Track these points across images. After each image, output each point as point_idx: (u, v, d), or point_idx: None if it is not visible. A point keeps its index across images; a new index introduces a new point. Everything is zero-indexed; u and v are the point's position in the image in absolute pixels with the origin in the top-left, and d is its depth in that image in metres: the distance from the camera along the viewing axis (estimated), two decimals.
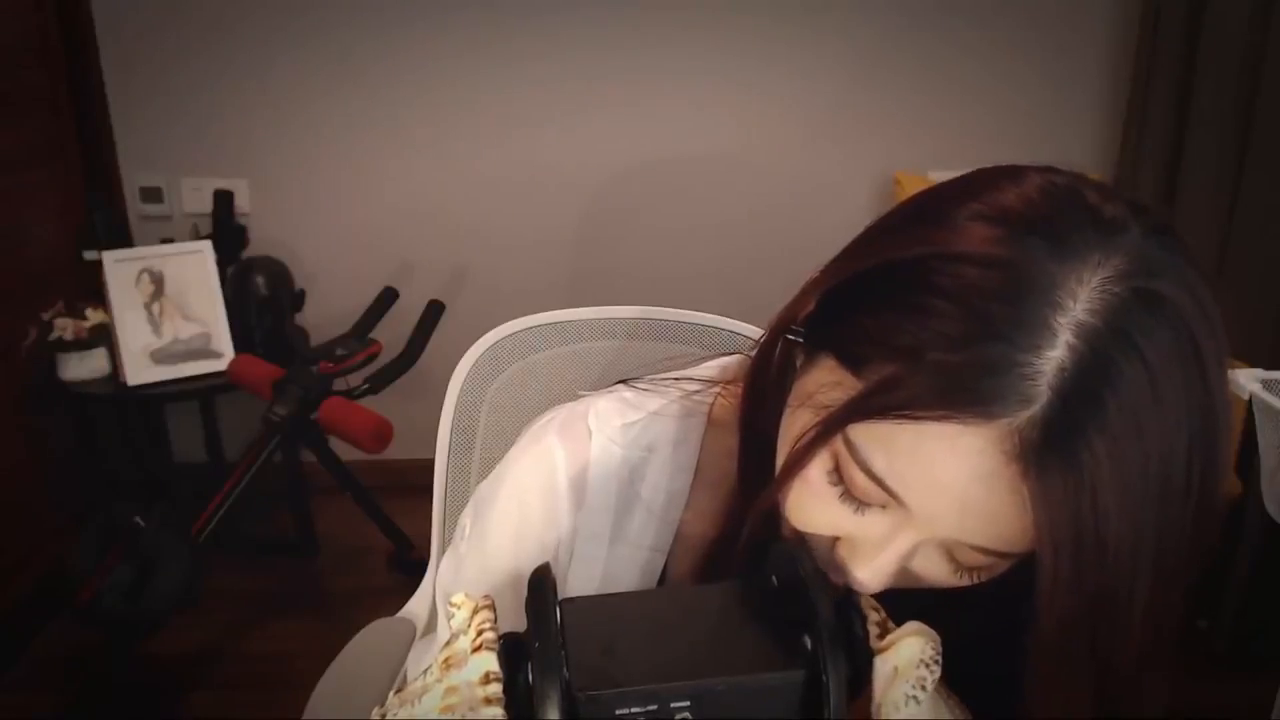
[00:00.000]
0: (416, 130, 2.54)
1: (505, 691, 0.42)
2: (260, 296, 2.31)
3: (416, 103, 2.52)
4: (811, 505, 0.49)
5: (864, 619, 0.47)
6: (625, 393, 0.65)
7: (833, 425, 0.46)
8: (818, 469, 0.48)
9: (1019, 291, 0.42)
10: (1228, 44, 2.25)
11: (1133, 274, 0.42)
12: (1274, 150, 2.19)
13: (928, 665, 0.43)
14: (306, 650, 1.92)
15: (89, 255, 2.21)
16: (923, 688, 0.43)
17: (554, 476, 0.61)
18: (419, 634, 0.99)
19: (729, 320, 1.02)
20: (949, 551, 0.48)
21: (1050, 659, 0.45)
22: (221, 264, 2.27)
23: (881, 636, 0.46)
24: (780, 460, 0.51)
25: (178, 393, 2.19)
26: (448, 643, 0.45)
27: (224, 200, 2.40)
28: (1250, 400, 1.44)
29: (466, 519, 0.67)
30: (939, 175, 2.83)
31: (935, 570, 0.49)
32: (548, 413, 0.66)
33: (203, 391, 2.27)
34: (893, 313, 0.44)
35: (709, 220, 2.59)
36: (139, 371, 2.13)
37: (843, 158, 2.58)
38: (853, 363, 0.46)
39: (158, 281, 2.17)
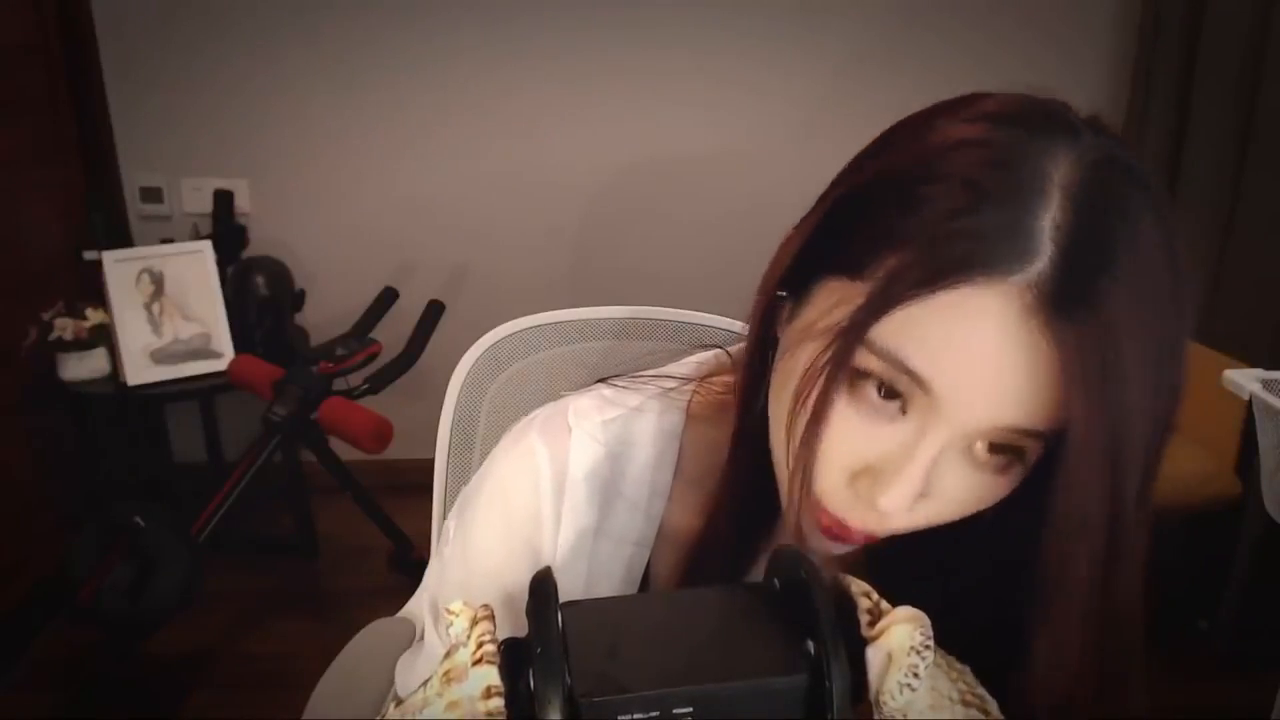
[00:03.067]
0: (416, 130, 2.54)
1: (507, 699, 0.42)
2: (260, 296, 2.31)
3: (416, 103, 2.52)
4: (832, 436, 0.48)
5: (855, 606, 0.47)
6: (605, 391, 0.65)
7: (855, 330, 0.46)
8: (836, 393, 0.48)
9: (1008, 161, 0.45)
10: (1228, 44, 2.25)
11: (1107, 148, 0.46)
12: (1274, 150, 2.19)
13: (919, 651, 0.43)
14: (306, 650, 1.92)
15: (89, 255, 2.20)
16: (915, 675, 0.43)
17: (536, 474, 0.61)
18: (418, 635, 0.99)
19: (729, 320, 1.02)
20: (970, 456, 0.48)
21: (1060, 562, 0.47)
22: (221, 264, 2.27)
23: (873, 624, 0.45)
24: (780, 408, 0.51)
25: (178, 393, 2.19)
26: (447, 655, 0.44)
27: (224, 200, 2.40)
28: (1250, 400, 1.44)
29: (451, 522, 0.67)
30: None
31: (955, 484, 0.48)
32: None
33: (203, 391, 2.27)
34: (889, 211, 0.47)
35: (710, 220, 2.59)
36: (139, 371, 2.13)
37: (843, 157, 2.57)
38: (854, 269, 0.48)
39: (158, 281, 2.17)
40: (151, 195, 2.54)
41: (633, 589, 0.63)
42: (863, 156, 0.53)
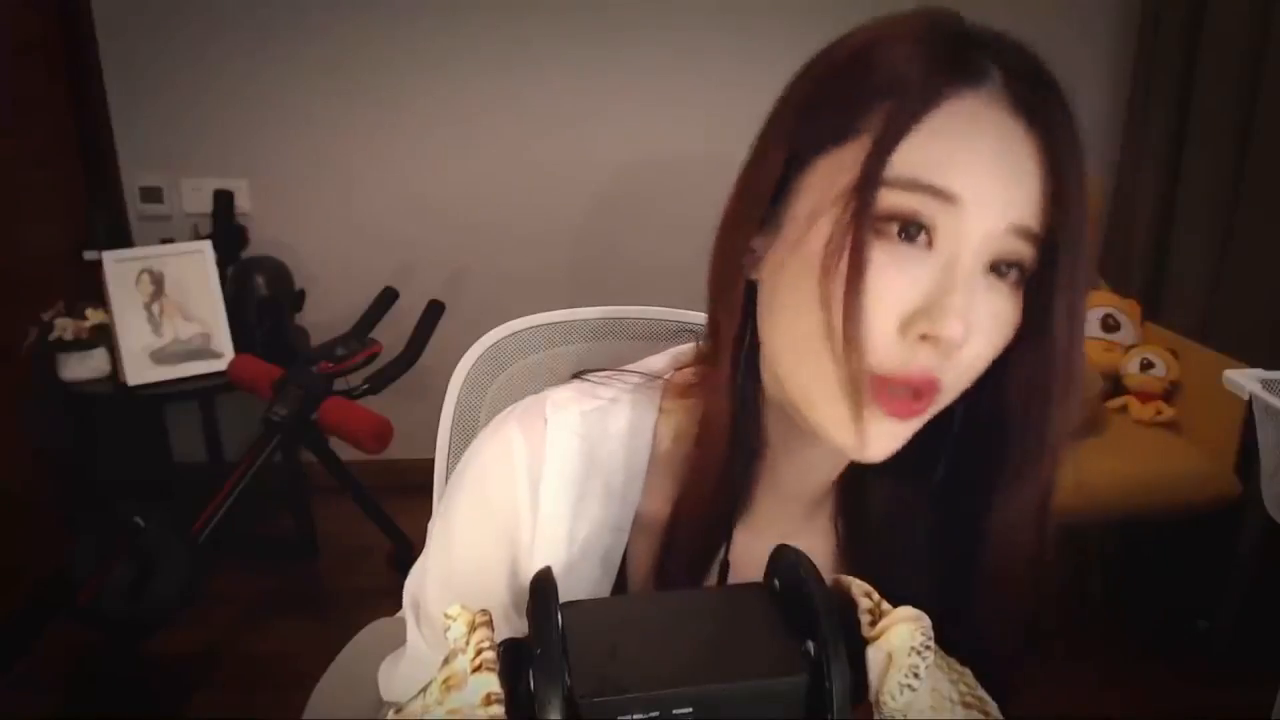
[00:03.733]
0: (416, 130, 2.54)
1: (507, 700, 0.42)
2: (260, 296, 2.31)
3: (416, 103, 2.52)
4: (871, 293, 0.50)
5: (855, 607, 0.47)
6: (582, 384, 0.67)
7: (873, 172, 0.49)
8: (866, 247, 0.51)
9: (945, 31, 0.53)
10: (1228, 44, 2.25)
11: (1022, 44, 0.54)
12: (1274, 150, 2.19)
13: (919, 652, 0.44)
14: (306, 650, 1.92)
15: (89, 255, 2.20)
16: (916, 675, 0.43)
17: (512, 461, 0.63)
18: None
19: None
20: (990, 281, 0.52)
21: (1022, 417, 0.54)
22: (221, 264, 2.27)
23: (873, 624, 0.46)
24: (784, 330, 0.54)
25: (178, 393, 2.19)
26: (446, 661, 0.44)
27: (224, 200, 2.40)
28: (1250, 400, 1.44)
29: (435, 521, 0.68)
30: None
31: (986, 313, 0.51)
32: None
33: (203, 391, 2.27)
34: (861, 79, 0.52)
35: (710, 219, 2.58)
36: (139, 371, 2.13)
37: None
38: (843, 135, 0.52)
39: (158, 281, 2.17)
40: (151, 195, 2.54)
41: (610, 576, 0.63)
42: (808, 68, 0.57)
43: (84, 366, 2.13)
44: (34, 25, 2.28)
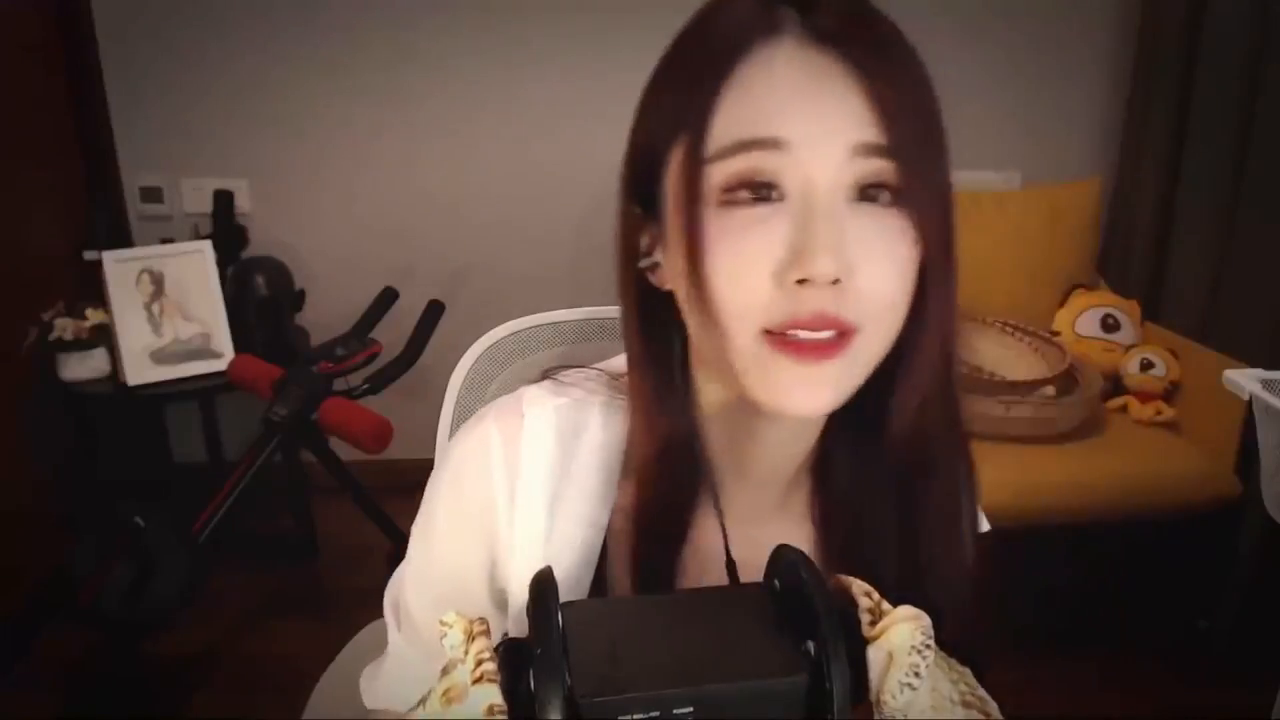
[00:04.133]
0: (417, 131, 2.54)
1: (507, 700, 0.42)
2: (260, 296, 2.31)
3: (417, 103, 2.51)
4: (741, 253, 0.51)
5: (855, 606, 0.47)
6: (558, 380, 0.68)
7: (696, 140, 0.51)
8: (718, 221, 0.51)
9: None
10: (1228, 44, 2.25)
11: None
12: (1274, 150, 2.19)
13: (919, 651, 0.44)
14: (306, 650, 1.92)
15: (89, 255, 2.20)
16: (916, 674, 0.43)
17: (489, 459, 0.63)
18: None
19: None
20: (860, 207, 0.51)
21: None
22: (221, 264, 2.27)
23: (873, 624, 0.46)
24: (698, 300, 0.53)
25: (178, 393, 2.19)
26: (445, 672, 0.44)
27: (224, 200, 2.40)
28: (1250, 400, 1.44)
29: (415, 524, 0.69)
30: None
31: (869, 236, 0.51)
32: None
33: (203, 391, 2.27)
34: (677, 77, 0.57)
35: None
36: (139, 371, 2.13)
37: None
38: (681, 125, 0.53)
39: (158, 281, 2.17)
40: (151, 195, 2.54)
41: (589, 571, 0.64)
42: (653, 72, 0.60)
43: (84, 366, 2.13)
44: (34, 25, 2.28)
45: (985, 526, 0.71)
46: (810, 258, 0.49)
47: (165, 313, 2.17)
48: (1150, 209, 2.45)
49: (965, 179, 2.49)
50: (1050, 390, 2.08)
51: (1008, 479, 1.94)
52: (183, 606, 1.90)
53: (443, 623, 0.45)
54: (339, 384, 2.13)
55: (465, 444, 0.65)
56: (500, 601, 0.65)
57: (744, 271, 0.51)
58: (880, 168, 0.51)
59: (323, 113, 2.50)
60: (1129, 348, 2.27)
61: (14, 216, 2.18)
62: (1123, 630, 2.15)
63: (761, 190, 0.51)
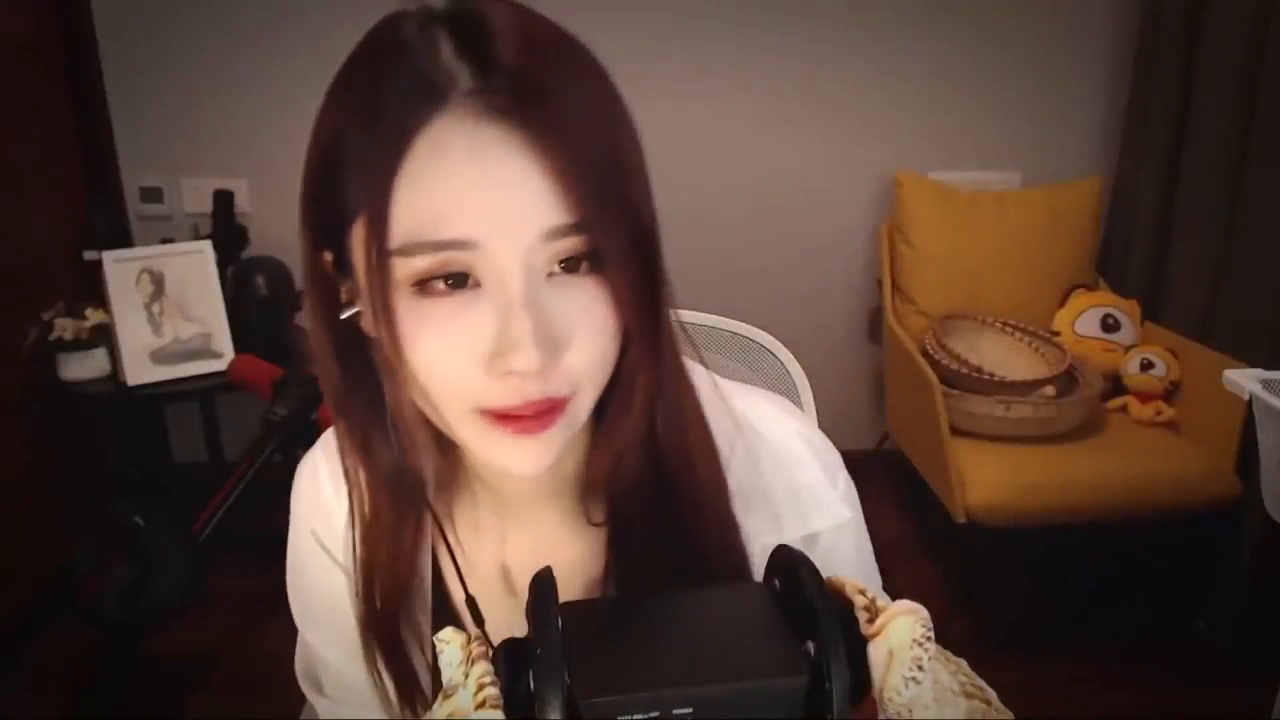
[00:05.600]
0: None
1: (506, 697, 0.42)
2: (260, 296, 2.31)
3: None
4: (443, 341, 0.49)
5: (851, 605, 0.47)
6: None
7: (377, 255, 0.47)
8: (408, 306, 0.49)
9: (391, 53, 0.52)
10: (1228, 45, 2.25)
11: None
12: (1274, 150, 2.19)
13: (920, 644, 0.43)
14: None
15: (89, 255, 2.20)
16: (919, 668, 0.43)
17: (317, 477, 0.69)
18: None
19: (728, 320, 1.02)
20: (558, 282, 0.50)
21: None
22: (221, 264, 2.27)
23: (870, 621, 0.45)
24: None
25: (178, 393, 2.19)
26: (446, 695, 0.43)
27: (224, 200, 2.40)
28: (1250, 400, 1.44)
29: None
30: (940, 175, 2.80)
31: (571, 310, 0.50)
32: None
33: (203, 391, 2.26)
34: (340, 155, 0.51)
35: (710, 220, 2.58)
36: (139, 371, 2.13)
37: (844, 157, 2.57)
38: (354, 214, 0.50)
39: (158, 281, 2.17)
40: (151, 195, 2.54)
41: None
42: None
43: (84, 366, 2.13)
44: (34, 26, 2.28)
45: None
46: (515, 353, 0.47)
47: (165, 313, 2.17)
48: (1150, 209, 2.45)
49: (965, 179, 2.49)
50: (1050, 390, 2.09)
51: (1008, 479, 1.94)
52: (183, 606, 1.90)
53: (439, 639, 0.45)
54: None
55: (299, 483, 0.71)
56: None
57: (452, 359, 0.49)
58: (574, 243, 0.49)
59: None
60: (1129, 348, 2.27)
61: (14, 216, 2.18)
62: (1123, 630, 2.15)
63: (457, 279, 0.49)
